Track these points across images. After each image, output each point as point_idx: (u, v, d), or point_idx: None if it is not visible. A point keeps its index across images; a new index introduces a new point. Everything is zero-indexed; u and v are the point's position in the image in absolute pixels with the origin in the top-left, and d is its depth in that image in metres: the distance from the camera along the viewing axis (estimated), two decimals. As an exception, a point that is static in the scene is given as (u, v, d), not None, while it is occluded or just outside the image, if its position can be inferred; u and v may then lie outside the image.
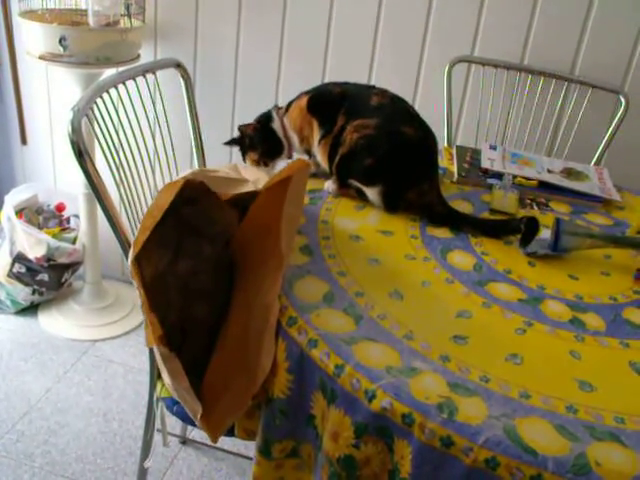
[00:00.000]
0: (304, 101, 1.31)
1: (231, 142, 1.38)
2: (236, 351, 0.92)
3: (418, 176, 1.23)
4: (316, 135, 1.29)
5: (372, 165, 1.20)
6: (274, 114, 1.35)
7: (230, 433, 1.16)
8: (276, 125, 1.34)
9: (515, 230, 1.18)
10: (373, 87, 1.32)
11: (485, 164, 1.49)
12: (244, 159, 1.38)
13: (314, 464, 0.88)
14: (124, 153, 1.26)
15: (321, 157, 1.30)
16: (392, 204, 1.23)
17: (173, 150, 1.46)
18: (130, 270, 0.87)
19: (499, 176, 1.44)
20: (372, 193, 1.23)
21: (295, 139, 1.34)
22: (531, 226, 1.15)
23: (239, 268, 0.99)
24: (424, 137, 1.25)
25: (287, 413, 0.87)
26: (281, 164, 1.35)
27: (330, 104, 1.28)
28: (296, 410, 0.86)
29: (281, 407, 0.87)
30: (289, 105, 1.35)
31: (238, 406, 0.91)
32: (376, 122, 1.21)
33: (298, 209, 1.07)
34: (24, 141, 2.42)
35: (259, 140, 1.34)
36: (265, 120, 1.35)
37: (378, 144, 1.20)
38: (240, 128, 1.35)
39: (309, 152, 1.35)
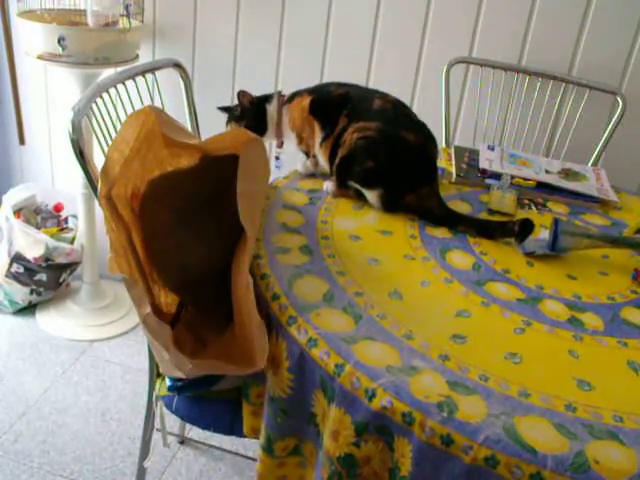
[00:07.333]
0: (306, 102, 1.30)
1: (224, 108, 1.41)
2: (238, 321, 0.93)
3: (417, 181, 1.23)
4: (317, 137, 1.29)
5: (372, 168, 1.20)
6: (275, 98, 1.35)
7: (229, 432, 1.16)
8: (271, 107, 1.35)
9: (510, 232, 1.18)
10: (376, 91, 1.31)
11: (483, 165, 1.49)
12: (226, 126, 1.39)
13: (316, 462, 0.88)
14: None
15: (323, 159, 1.30)
16: (391, 207, 1.23)
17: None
18: (101, 205, 0.86)
19: (497, 176, 1.45)
20: (371, 196, 1.23)
21: (293, 138, 1.34)
22: (525, 225, 1.16)
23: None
24: (424, 143, 1.25)
25: (288, 412, 0.88)
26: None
27: (332, 106, 1.28)
28: (297, 409, 0.87)
29: (282, 406, 0.87)
30: (292, 97, 1.35)
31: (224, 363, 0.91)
32: (377, 125, 1.21)
33: (258, 185, 1.05)
34: (22, 141, 2.42)
35: (248, 114, 1.35)
36: (263, 99, 1.36)
37: (378, 147, 1.20)
38: (239, 93, 1.35)
39: (307, 153, 1.35)
